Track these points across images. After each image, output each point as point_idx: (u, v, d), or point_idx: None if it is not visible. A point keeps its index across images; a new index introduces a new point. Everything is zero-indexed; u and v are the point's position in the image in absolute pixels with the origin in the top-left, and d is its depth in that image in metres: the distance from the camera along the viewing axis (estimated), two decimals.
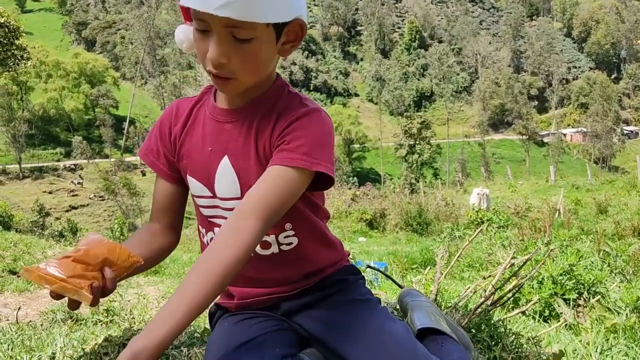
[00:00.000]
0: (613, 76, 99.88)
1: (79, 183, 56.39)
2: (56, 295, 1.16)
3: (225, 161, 1.36)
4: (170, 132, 1.46)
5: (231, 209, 1.37)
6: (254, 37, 1.22)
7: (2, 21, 15.58)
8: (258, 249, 1.41)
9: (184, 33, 1.35)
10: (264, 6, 1.19)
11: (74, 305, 1.19)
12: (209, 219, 1.44)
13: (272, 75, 1.40)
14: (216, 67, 1.25)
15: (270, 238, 1.42)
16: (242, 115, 1.37)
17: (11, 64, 16.44)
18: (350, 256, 1.67)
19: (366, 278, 1.66)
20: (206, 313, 1.55)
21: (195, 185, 1.42)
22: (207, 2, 1.17)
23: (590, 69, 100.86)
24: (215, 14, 1.16)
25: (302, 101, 1.38)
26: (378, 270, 2.23)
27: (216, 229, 1.43)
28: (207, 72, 1.28)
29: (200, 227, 1.50)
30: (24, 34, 17.19)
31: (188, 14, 1.31)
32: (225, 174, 1.37)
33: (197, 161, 1.40)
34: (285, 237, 1.43)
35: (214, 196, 1.40)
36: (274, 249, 1.43)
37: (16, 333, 2.13)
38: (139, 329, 1.96)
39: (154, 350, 1.01)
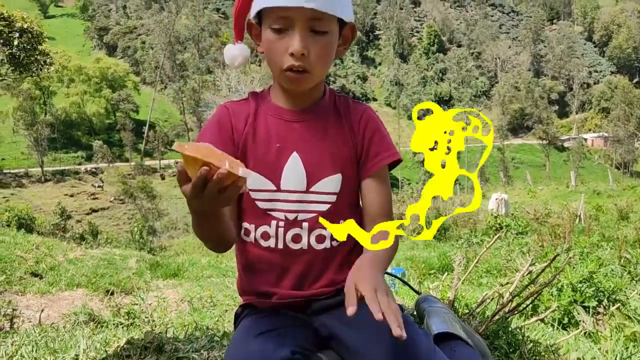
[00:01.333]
0: (635, 80, 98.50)
1: (99, 186, 57.06)
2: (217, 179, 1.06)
3: (295, 156, 1.49)
4: (232, 130, 1.53)
5: (292, 201, 1.49)
6: (329, 30, 1.41)
7: (26, 27, 15.84)
8: (313, 242, 1.50)
9: (239, 50, 1.55)
10: (339, 2, 1.40)
11: (232, 190, 1.11)
12: (266, 212, 1.50)
13: (323, 81, 1.56)
14: (298, 59, 1.38)
15: (327, 232, 1.50)
16: (310, 116, 1.53)
17: (34, 69, 16.70)
18: None
19: None
20: (230, 317, 1.57)
21: (256, 179, 1.49)
22: None
23: (612, 73, 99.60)
24: (305, 5, 1.34)
25: (354, 101, 1.61)
26: (395, 276, 2.23)
27: (273, 222, 1.50)
28: (285, 70, 1.41)
29: (247, 224, 1.53)
30: (46, 40, 17.45)
31: (241, 34, 1.51)
32: (294, 169, 1.48)
33: (263, 157, 1.50)
34: None
35: (277, 189, 1.48)
36: (327, 243, 1.51)
37: (39, 335, 2.17)
38: (160, 332, 1.99)
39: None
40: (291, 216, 1.48)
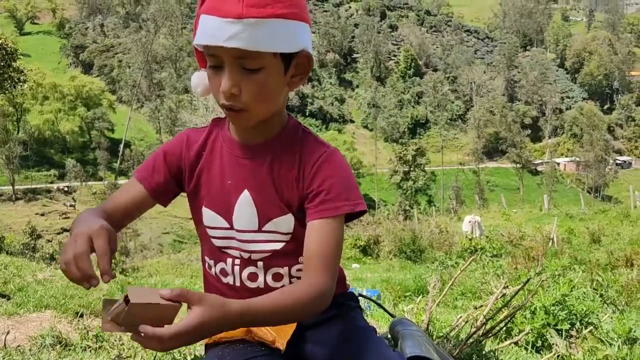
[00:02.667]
0: (606, 106, 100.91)
1: (71, 205, 56.06)
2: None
3: (246, 194, 1.42)
4: (180, 159, 1.48)
5: (247, 241, 1.43)
6: (263, 66, 1.29)
7: (0, 43, 15.66)
8: (270, 281, 1.46)
9: (199, 78, 1.45)
10: (270, 37, 1.26)
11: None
12: (222, 250, 1.48)
13: (283, 115, 1.47)
14: (228, 99, 1.31)
15: (284, 270, 1.46)
16: (260, 153, 1.43)
17: (7, 86, 16.48)
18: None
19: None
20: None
21: (210, 217, 1.46)
22: (216, 36, 1.25)
23: (583, 99, 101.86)
24: (225, 45, 1.24)
25: (318, 141, 1.46)
26: (370, 299, 2.22)
27: (229, 260, 1.47)
28: (221, 106, 1.34)
29: (207, 258, 1.52)
30: (21, 56, 17.28)
31: (202, 60, 1.40)
32: (245, 207, 1.42)
33: (216, 193, 1.45)
34: (297, 270, 1.46)
35: (231, 227, 1.44)
36: (285, 281, 1.46)
37: (4, 358, 2.10)
38: (127, 357, 1.94)
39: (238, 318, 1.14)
40: (245, 255, 1.45)
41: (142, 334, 1.06)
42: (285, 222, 1.42)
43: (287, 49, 1.31)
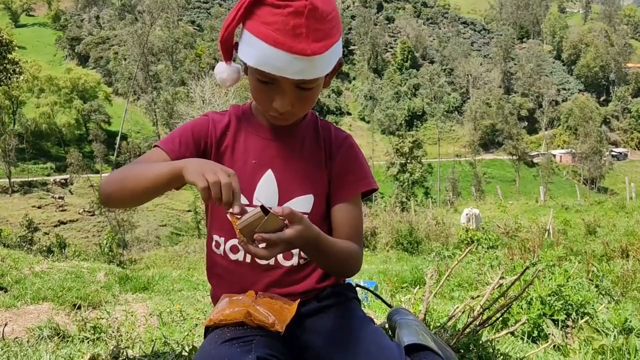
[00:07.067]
0: (602, 98, 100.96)
1: (59, 198, 55.77)
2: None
3: (269, 174, 1.51)
4: (207, 135, 1.55)
5: None
6: (316, 84, 1.43)
7: None
8: (281, 259, 1.51)
9: (227, 73, 1.50)
10: (328, 62, 1.40)
11: None
12: None
13: None
14: (282, 114, 1.44)
15: (295, 250, 1.50)
16: (288, 136, 1.55)
17: (3, 78, 16.42)
18: None
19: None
20: (200, 332, 1.56)
21: None
22: (283, 69, 1.33)
23: (580, 91, 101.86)
24: (293, 78, 1.35)
25: (335, 127, 1.64)
26: (368, 289, 2.23)
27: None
28: (267, 114, 1.48)
29: (217, 236, 1.56)
30: (16, 48, 17.22)
31: (229, 55, 1.47)
32: (267, 185, 1.51)
33: (238, 172, 1.47)
34: None
35: (250, 205, 1.51)
36: (294, 260, 1.52)
37: (2, 350, 2.11)
38: (125, 347, 1.95)
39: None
40: None
41: (256, 242, 1.24)
42: (305, 202, 1.52)
43: (334, 64, 1.45)
